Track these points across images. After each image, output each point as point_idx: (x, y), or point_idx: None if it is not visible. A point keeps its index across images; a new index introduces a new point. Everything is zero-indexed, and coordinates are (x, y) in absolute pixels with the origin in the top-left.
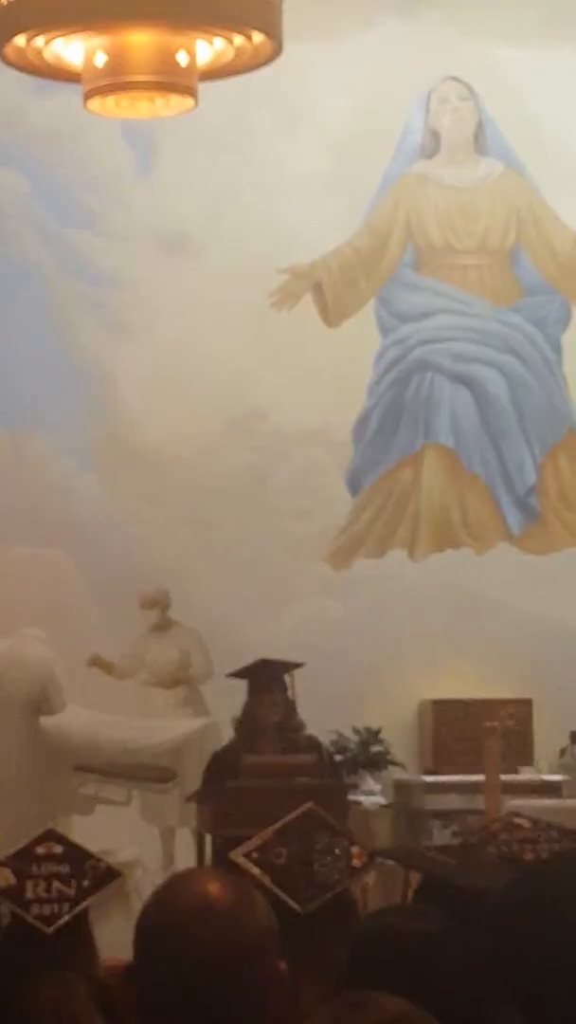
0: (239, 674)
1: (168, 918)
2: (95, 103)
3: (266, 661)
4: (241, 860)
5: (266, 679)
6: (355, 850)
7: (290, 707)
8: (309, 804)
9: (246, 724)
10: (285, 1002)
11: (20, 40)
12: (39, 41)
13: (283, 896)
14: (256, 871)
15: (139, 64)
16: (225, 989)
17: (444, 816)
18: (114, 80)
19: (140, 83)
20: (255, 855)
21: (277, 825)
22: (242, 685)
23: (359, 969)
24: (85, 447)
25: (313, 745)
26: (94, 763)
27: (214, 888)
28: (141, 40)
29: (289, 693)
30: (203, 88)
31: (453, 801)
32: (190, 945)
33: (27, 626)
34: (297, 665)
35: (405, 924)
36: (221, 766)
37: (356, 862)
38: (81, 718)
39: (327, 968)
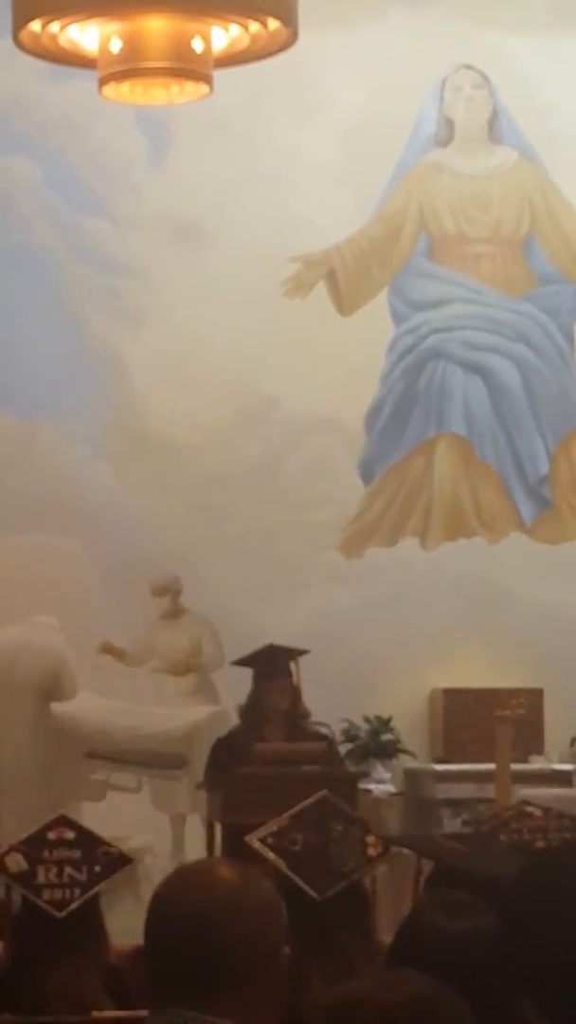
0: (245, 661)
1: (179, 904)
2: (110, 89)
3: (273, 647)
4: (257, 845)
5: (273, 665)
6: (371, 839)
7: (296, 694)
8: (324, 792)
9: (251, 711)
10: (289, 986)
11: (35, 25)
12: (54, 27)
13: (299, 882)
14: (272, 856)
15: (154, 50)
16: (232, 972)
17: (454, 805)
18: (129, 66)
19: (155, 69)
20: (271, 840)
21: (293, 811)
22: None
23: (397, 963)
24: (97, 435)
25: (322, 733)
26: (105, 750)
27: (224, 873)
28: (156, 26)
29: (295, 680)
30: (217, 77)
31: (463, 790)
32: (198, 929)
33: (39, 614)
34: (303, 652)
35: (445, 923)
36: (225, 753)
37: (372, 851)
38: (92, 705)
39: (338, 955)
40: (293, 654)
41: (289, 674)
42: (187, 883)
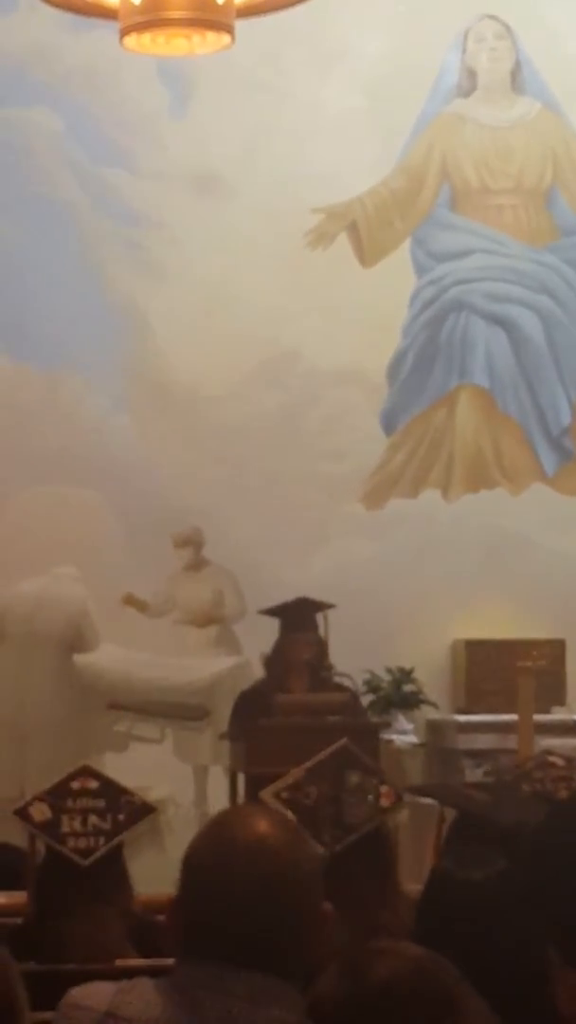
0: (274, 612)
1: (222, 855)
2: (131, 40)
3: (303, 599)
4: (271, 799)
5: (301, 617)
6: (384, 789)
7: (322, 647)
8: (344, 741)
9: (276, 662)
10: (327, 943)
11: None
12: None
13: (309, 839)
14: (284, 812)
15: (176, 1)
16: (274, 928)
17: (476, 755)
18: (151, 17)
19: (177, 20)
20: (285, 795)
21: (309, 763)
22: (275, 624)
23: (428, 916)
24: (118, 387)
25: (344, 684)
26: (127, 701)
27: (267, 827)
28: None
29: (321, 632)
30: (238, 28)
31: (485, 740)
32: (244, 883)
33: (61, 565)
34: (331, 606)
35: (471, 873)
36: (250, 704)
37: (384, 802)
38: (114, 656)
39: (357, 907)
40: (322, 607)
41: (316, 627)
42: (236, 841)
